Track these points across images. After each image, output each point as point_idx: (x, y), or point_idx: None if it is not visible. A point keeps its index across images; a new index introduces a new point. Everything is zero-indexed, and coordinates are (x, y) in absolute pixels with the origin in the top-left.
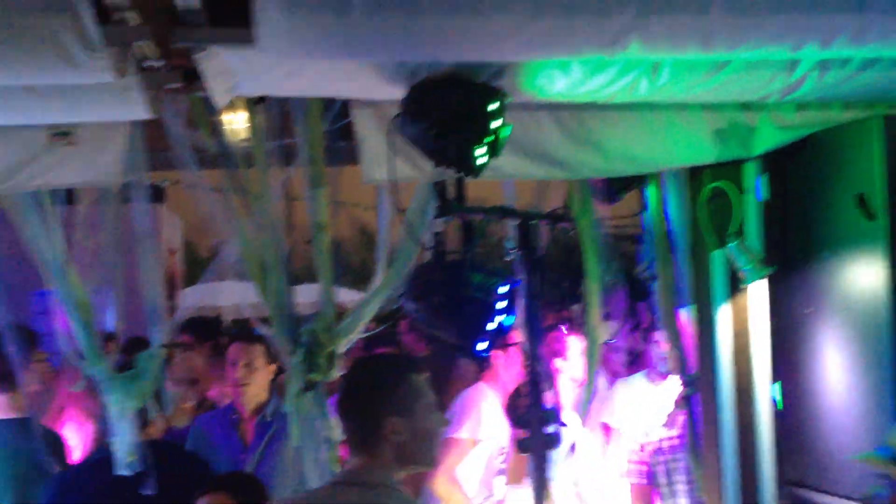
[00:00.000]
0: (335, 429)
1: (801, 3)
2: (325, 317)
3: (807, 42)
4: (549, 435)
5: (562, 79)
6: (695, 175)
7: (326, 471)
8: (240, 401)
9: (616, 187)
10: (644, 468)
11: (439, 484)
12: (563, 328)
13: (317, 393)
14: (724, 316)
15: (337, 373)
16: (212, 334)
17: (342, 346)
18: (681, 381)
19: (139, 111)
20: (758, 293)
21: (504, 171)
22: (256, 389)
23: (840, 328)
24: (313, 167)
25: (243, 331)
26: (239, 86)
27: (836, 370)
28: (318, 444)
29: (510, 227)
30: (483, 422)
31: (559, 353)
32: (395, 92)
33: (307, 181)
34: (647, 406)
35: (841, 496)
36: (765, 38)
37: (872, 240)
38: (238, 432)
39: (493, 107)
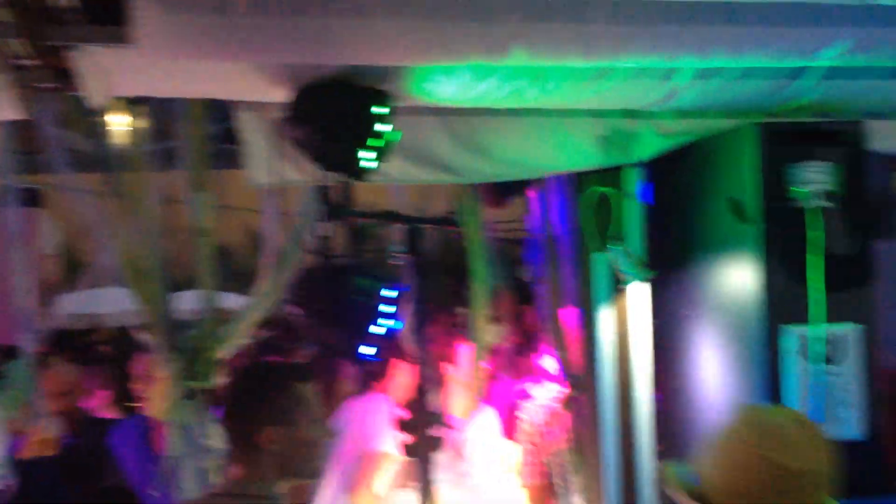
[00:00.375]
0: (216, 437)
1: (677, 14)
2: (207, 323)
3: (683, 52)
4: (434, 438)
5: (449, 84)
6: (580, 179)
7: (206, 481)
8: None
9: (503, 192)
10: (538, 469)
11: (361, 498)
12: (451, 331)
13: (197, 401)
14: (606, 318)
15: (218, 380)
16: (67, 345)
17: (224, 352)
18: (567, 383)
19: (10, 111)
20: (640, 295)
21: (391, 175)
22: (159, 399)
23: (717, 330)
24: (195, 170)
25: (124, 339)
26: (115, 86)
27: (713, 371)
28: (197, 454)
29: (398, 231)
30: (396, 432)
31: (446, 356)
32: (281, 94)
33: (189, 185)
34: (536, 408)
35: None
36: (643, 46)
37: (747, 244)
38: (148, 442)
39: (379, 110)
